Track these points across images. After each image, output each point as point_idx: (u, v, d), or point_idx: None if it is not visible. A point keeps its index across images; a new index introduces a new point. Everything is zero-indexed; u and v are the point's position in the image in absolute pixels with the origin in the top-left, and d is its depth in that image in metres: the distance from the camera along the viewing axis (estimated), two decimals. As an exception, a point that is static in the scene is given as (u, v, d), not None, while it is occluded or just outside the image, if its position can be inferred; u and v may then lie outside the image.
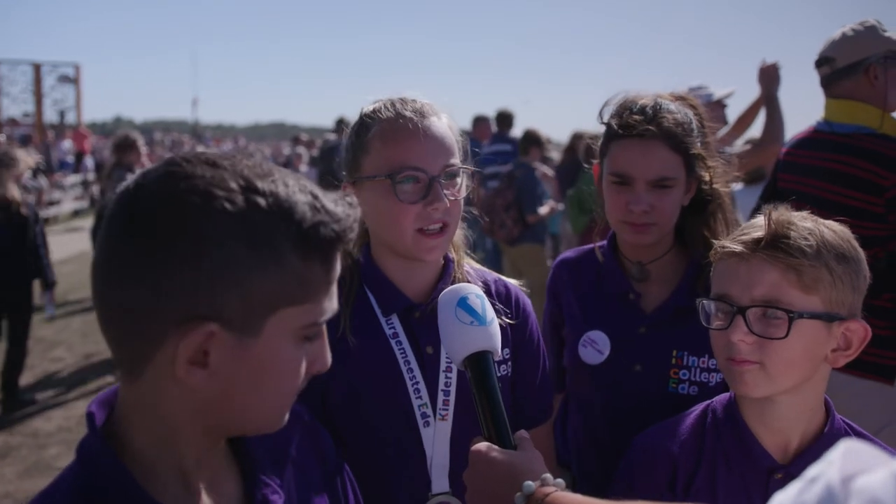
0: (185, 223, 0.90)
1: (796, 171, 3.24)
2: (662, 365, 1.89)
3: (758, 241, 1.44)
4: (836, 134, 3.11)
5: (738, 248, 1.46)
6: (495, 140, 8.91)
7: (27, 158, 6.18)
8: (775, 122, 4.40)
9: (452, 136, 1.66)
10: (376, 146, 1.62)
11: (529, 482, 1.16)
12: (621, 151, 1.88)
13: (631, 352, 1.91)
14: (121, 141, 7.78)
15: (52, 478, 1.05)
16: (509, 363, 1.77)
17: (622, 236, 1.97)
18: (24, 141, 22.10)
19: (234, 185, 0.93)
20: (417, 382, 1.64)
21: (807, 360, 1.45)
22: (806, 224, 1.45)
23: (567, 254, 2.18)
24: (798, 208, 1.49)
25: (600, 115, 1.98)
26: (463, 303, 1.37)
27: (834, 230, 1.46)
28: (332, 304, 1.03)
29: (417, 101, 1.67)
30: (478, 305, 1.37)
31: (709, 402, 1.64)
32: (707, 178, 1.93)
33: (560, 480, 1.19)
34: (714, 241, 1.91)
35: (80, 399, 6.53)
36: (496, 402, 1.30)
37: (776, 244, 1.42)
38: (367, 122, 1.65)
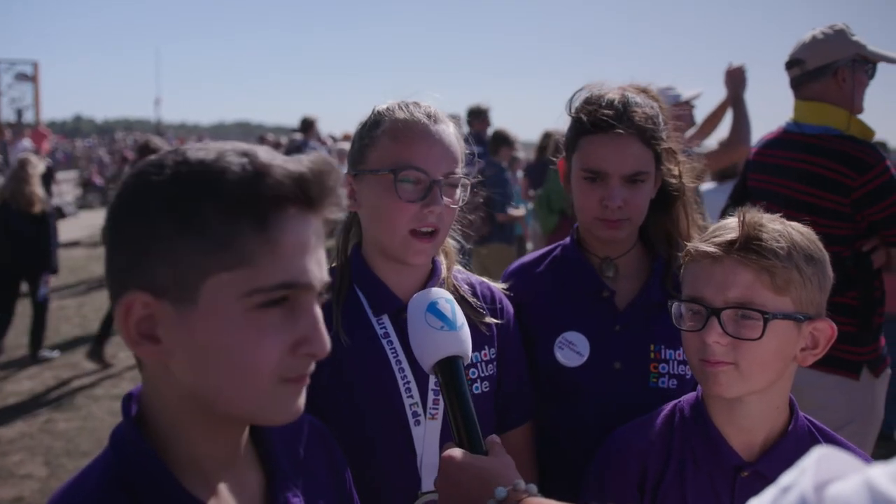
0: (122, 203, 0.98)
1: (766, 171, 3.30)
2: (642, 361, 1.88)
3: (731, 242, 1.45)
4: (805, 135, 3.17)
5: (712, 249, 1.47)
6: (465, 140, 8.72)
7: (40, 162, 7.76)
8: (742, 124, 4.48)
9: (458, 146, 1.69)
10: (384, 142, 1.65)
11: (501, 488, 1.17)
12: (594, 147, 1.86)
13: (609, 351, 1.90)
14: (144, 145, 8.45)
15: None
16: (495, 363, 1.78)
17: (594, 233, 1.94)
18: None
19: (169, 160, 0.96)
20: (409, 382, 1.65)
21: (779, 360, 1.48)
22: (775, 226, 1.47)
23: (523, 259, 2.13)
24: (768, 208, 1.50)
25: (568, 107, 1.96)
26: (433, 307, 1.36)
27: (801, 232, 1.50)
28: (284, 271, 0.95)
29: (431, 105, 1.70)
30: (448, 310, 1.36)
31: (677, 400, 1.66)
32: (676, 171, 1.94)
33: (532, 485, 1.19)
34: (678, 236, 1.94)
35: (42, 407, 6.38)
36: (467, 408, 1.29)
37: (749, 246, 1.44)
38: (379, 119, 1.69)
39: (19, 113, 27.81)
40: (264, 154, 0.96)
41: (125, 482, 0.97)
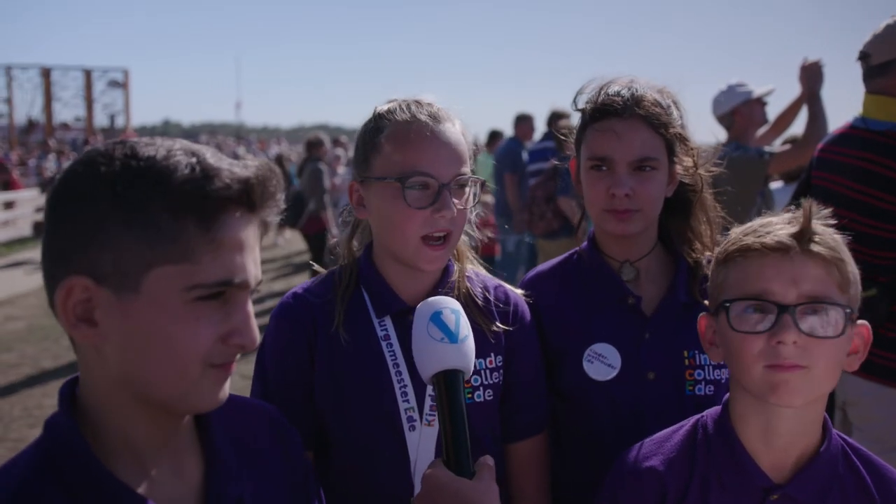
0: (68, 188, 1.01)
1: (827, 168, 3.14)
2: (676, 369, 1.78)
3: (800, 234, 1.34)
4: (870, 131, 3.00)
5: (776, 242, 1.35)
6: (545, 137, 8.92)
7: None
8: (818, 122, 4.28)
9: (465, 144, 1.64)
10: (388, 147, 1.60)
11: None
12: (599, 134, 1.78)
13: (641, 360, 1.79)
14: (311, 140, 9.90)
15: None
16: (501, 371, 1.72)
17: (605, 227, 1.84)
18: (81, 144, 22.79)
19: (118, 153, 1.00)
20: (405, 386, 1.62)
21: (842, 362, 1.38)
22: (818, 223, 1.39)
23: (540, 268, 2.01)
24: (824, 207, 1.39)
25: (574, 102, 1.88)
26: (436, 318, 1.32)
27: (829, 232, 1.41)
28: (224, 269, 1.01)
29: (433, 104, 1.65)
30: (451, 321, 1.32)
31: (699, 416, 1.55)
32: (690, 163, 1.86)
33: None
34: (698, 240, 1.85)
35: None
36: (460, 424, 1.25)
37: (815, 239, 1.34)
38: (380, 122, 1.64)
39: (112, 118, 29.25)
40: (211, 156, 1.02)
41: (54, 467, 1.01)
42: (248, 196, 1.02)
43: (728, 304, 1.38)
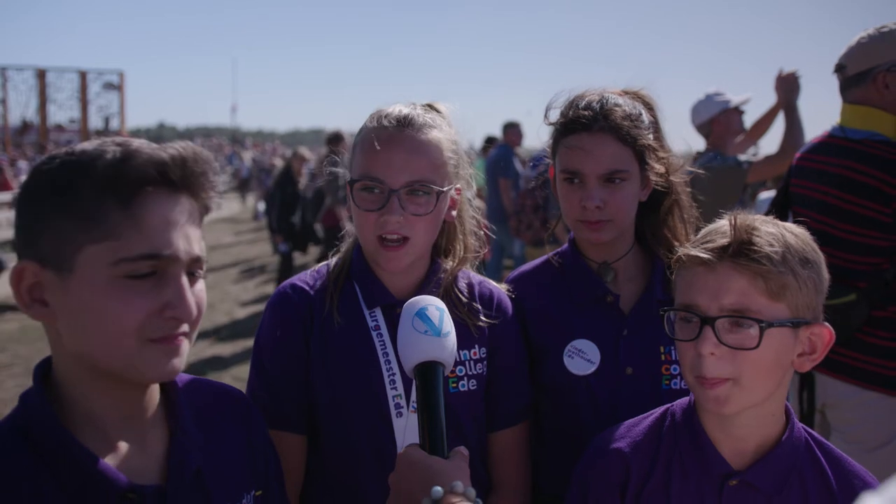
0: (24, 187, 1.14)
1: (807, 176, 3.19)
2: (653, 364, 1.86)
3: (724, 248, 1.41)
4: (848, 140, 3.06)
5: (704, 255, 1.42)
6: None
7: None
8: (794, 132, 4.33)
9: (439, 153, 1.70)
10: (356, 151, 1.73)
11: (438, 488, 1.20)
12: (570, 148, 1.85)
13: (620, 356, 1.86)
14: (332, 135, 9.71)
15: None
16: (485, 362, 1.80)
17: (580, 236, 1.94)
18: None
19: (61, 153, 1.13)
20: (394, 374, 1.70)
21: (778, 369, 1.44)
22: (769, 229, 1.43)
23: (523, 268, 2.11)
24: (803, 214, 1.42)
25: (546, 115, 1.95)
26: (421, 313, 1.41)
27: (795, 233, 1.45)
28: (148, 244, 1.09)
29: (406, 111, 1.71)
30: (435, 317, 1.41)
31: (670, 404, 1.62)
32: (662, 170, 1.91)
33: (471, 489, 1.22)
34: (674, 239, 1.90)
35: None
36: (437, 414, 1.32)
37: (742, 251, 1.40)
38: (362, 127, 1.75)
39: (106, 121, 29.17)
40: (140, 143, 1.11)
41: (23, 432, 1.10)
42: (165, 175, 1.11)
43: (665, 313, 1.51)
